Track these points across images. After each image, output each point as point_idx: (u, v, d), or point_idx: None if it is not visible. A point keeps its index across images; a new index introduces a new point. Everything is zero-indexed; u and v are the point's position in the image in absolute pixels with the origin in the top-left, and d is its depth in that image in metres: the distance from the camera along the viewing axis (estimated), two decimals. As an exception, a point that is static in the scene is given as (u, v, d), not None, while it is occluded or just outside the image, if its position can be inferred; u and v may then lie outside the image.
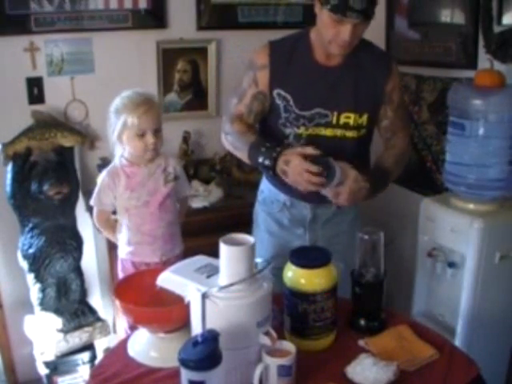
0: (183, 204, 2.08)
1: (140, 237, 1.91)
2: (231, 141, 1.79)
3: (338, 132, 1.75)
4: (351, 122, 1.74)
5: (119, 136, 1.83)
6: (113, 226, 1.99)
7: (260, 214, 1.93)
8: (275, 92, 1.74)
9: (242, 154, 1.75)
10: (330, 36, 1.61)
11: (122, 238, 1.94)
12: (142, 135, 1.81)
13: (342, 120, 1.73)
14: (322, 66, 1.73)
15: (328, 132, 1.75)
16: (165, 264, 1.82)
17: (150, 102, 1.85)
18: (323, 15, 1.60)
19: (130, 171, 1.87)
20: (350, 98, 1.73)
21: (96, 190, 1.91)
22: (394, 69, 1.78)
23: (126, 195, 1.86)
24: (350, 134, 1.75)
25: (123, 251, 1.95)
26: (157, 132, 1.84)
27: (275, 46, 1.76)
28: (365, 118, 1.75)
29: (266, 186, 1.91)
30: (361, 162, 1.82)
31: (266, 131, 1.83)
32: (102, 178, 1.89)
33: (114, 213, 1.97)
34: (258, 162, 1.65)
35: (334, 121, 1.73)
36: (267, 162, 1.61)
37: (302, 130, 1.74)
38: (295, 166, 1.56)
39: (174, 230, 1.97)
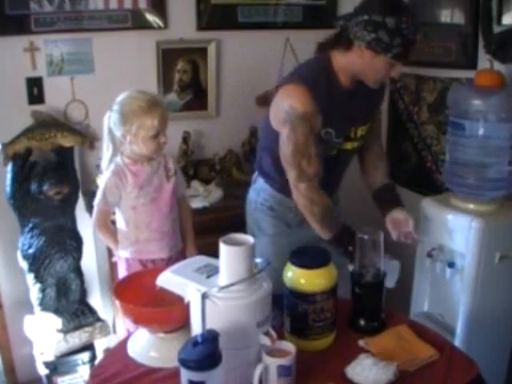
0: (183, 204, 2.09)
1: (149, 234, 1.92)
2: (317, 212, 1.76)
3: (356, 144, 1.88)
4: (364, 133, 1.88)
5: (132, 139, 1.83)
6: (111, 228, 1.98)
7: (264, 219, 1.95)
8: (323, 131, 1.75)
9: (323, 228, 1.77)
10: (381, 77, 1.75)
11: (127, 238, 1.94)
12: (156, 136, 1.83)
13: (359, 133, 1.87)
14: (347, 90, 1.78)
15: (348, 146, 1.86)
16: (170, 260, 1.88)
17: (160, 102, 1.88)
18: (378, 61, 1.68)
19: (135, 169, 1.88)
20: (365, 113, 1.86)
21: (100, 190, 1.90)
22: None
23: (134, 193, 1.87)
24: (360, 143, 1.90)
25: (127, 251, 1.95)
26: (164, 131, 1.88)
27: (313, 88, 1.69)
28: (368, 125, 1.89)
29: (269, 194, 1.93)
30: None
31: None
32: (106, 177, 1.89)
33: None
34: (345, 247, 1.74)
35: (353, 135, 1.85)
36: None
37: (334, 152, 1.83)
38: None
39: (176, 227, 2.01)
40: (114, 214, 1.97)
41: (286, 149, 1.72)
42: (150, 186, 1.89)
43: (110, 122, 1.86)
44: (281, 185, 1.86)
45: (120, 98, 1.86)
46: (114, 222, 1.99)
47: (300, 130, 1.68)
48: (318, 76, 1.74)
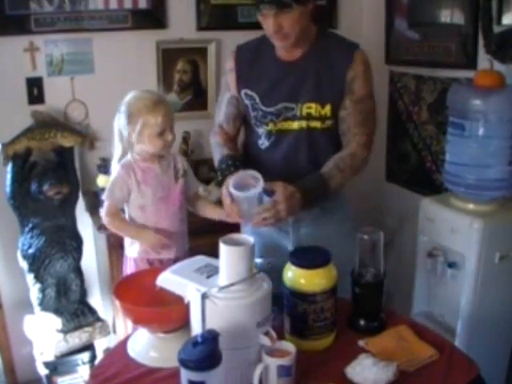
0: (197, 200, 2.06)
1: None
2: (212, 151, 1.96)
3: (304, 124, 1.80)
4: (313, 111, 1.78)
5: (137, 137, 1.84)
6: (122, 216, 1.94)
7: None
8: (243, 92, 1.84)
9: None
10: (267, 31, 1.73)
11: None
12: (161, 133, 1.84)
13: (305, 110, 1.78)
14: (285, 61, 1.80)
15: (295, 125, 1.81)
16: (178, 260, 1.84)
17: (164, 100, 1.89)
18: (261, 20, 1.74)
19: (144, 166, 1.89)
20: (311, 89, 1.77)
21: (109, 183, 1.90)
22: (359, 59, 1.77)
23: (141, 190, 1.87)
24: (313, 124, 1.80)
25: (134, 250, 1.95)
26: (172, 129, 1.88)
27: (241, 49, 1.88)
28: (328, 108, 1.78)
29: None
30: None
31: (248, 136, 1.96)
32: (115, 171, 1.89)
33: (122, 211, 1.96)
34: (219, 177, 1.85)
35: (298, 112, 1.79)
36: (219, 179, 1.84)
37: (270, 127, 1.83)
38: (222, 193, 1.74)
39: (184, 227, 2.00)
40: (123, 211, 1.96)
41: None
42: (158, 185, 1.89)
43: (118, 122, 1.87)
44: None
45: (126, 98, 1.86)
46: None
47: (222, 84, 1.97)
48: (252, 41, 1.88)
